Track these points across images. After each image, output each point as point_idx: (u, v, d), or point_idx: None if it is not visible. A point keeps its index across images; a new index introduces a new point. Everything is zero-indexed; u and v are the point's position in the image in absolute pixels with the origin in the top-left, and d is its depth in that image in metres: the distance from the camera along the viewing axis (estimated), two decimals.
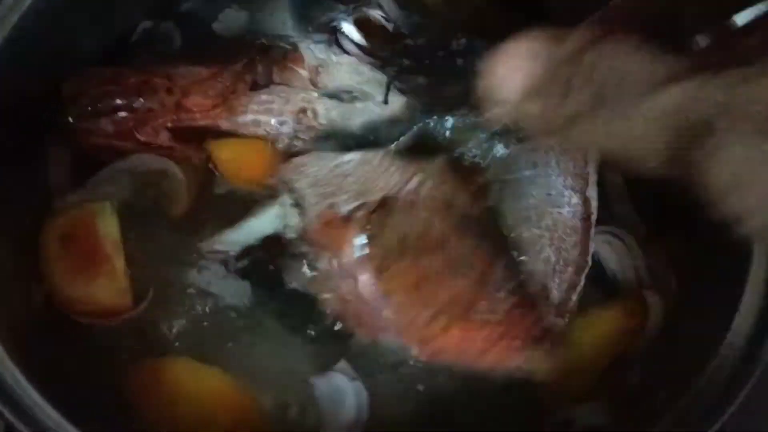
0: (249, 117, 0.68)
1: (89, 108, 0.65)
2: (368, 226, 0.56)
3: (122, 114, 0.66)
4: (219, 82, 0.68)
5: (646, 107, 0.33)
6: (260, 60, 0.70)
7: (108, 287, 0.60)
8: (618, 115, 0.34)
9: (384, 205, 0.58)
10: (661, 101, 0.33)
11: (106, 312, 0.60)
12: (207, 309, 0.63)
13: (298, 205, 0.62)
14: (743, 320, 0.54)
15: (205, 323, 0.63)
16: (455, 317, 0.54)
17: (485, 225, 0.60)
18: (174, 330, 0.62)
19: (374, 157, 0.62)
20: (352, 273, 0.56)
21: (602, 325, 0.63)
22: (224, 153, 0.69)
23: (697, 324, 0.61)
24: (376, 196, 0.58)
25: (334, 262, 0.56)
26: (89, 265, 0.60)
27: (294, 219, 0.62)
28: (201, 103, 0.67)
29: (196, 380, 0.59)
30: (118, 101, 0.66)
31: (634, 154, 0.35)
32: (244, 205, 0.66)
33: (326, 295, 0.59)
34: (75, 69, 0.67)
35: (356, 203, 0.57)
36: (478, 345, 0.55)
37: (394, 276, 0.55)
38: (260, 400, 0.60)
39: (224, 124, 0.68)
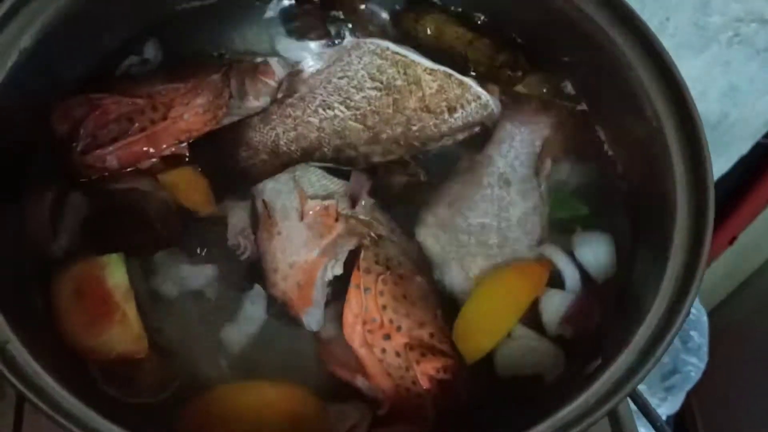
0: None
1: (89, 142, 0.67)
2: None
3: (121, 142, 0.68)
4: (199, 95, 0.73)
5: None
6: (233, 73, 0.73)
7: (123, 335, 0.61)
8: None
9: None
10: None
11: (125, 359, 0.61)
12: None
13: None
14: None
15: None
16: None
17: None
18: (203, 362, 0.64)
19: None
20: None
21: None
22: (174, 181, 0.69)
23: None
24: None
25: None
26: (101, 316, 0.61)
27: None
28: (197, 121, 0.70)
29: (245, 398, 0.61)
30: (113, 129, 0.68)
31: None
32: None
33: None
34: (56, 101, 0.67)
35: None
36: None
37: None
38: (306, 399, 0.62)
39: None
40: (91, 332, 0.61)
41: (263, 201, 0.69)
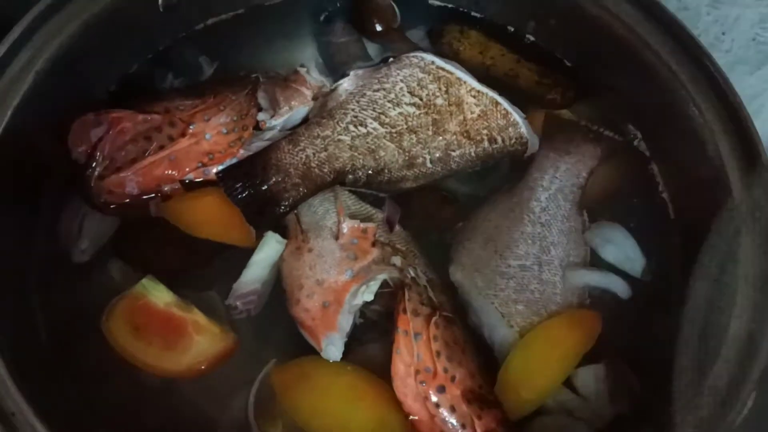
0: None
1: (107, 165, 0.63)
2: None
3: (140, 164, 0.63)
4: (221, 111, 0.68)
5: None
6: (263, 85, 0.69)
7: (207, 340, 0.60)
8: None
9: None
10: None
11: (222, 357, 0.60)
12: None
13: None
14: None
15: None
16: None
17: None
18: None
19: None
20: None
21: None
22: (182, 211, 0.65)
23: None
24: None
25: None
26: (175, 335, 0.60)
27: None
28: (220, 141, 0.66)
29: (340, 377, 0.59)
30: (131, 150, 0.63)
31: None
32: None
33: None
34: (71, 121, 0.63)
35: None
36: None
37: None
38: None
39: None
40: (174, 355, 0.60)
41: (295, 215, 0.65)
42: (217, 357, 0.60)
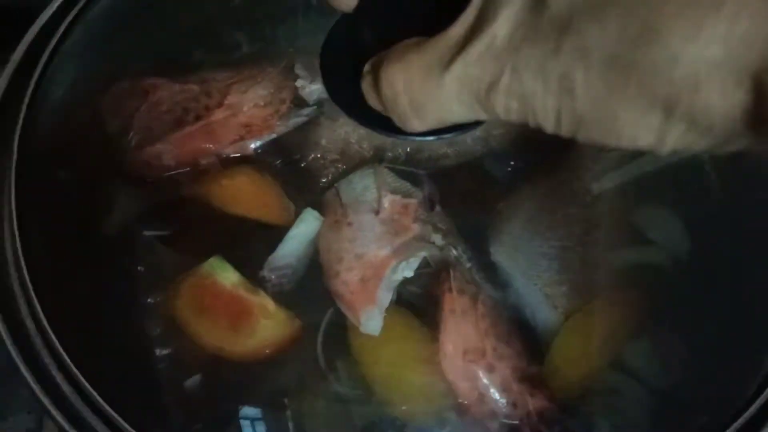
0: None
1: (144, 136, 0.61)
2: None
3: (177, 134, 0.62)
4: (258, 83, 0.67)
5: None
6: (300, 57, 0.67)
7: (272, 324, 0.58)
8: None
9: None
10: None
11: (287, 343, 0.59)
12: None
13: None
14: None
15: None
16: None
17: None
18: None
19: None
20: None
21: None
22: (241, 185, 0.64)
23: None
24: None
25: None
26: (241, 317, 0.58)
27: None
28: (257, 115, 0.65)
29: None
30: (168, 120, 0.62)
31: None
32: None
33: None
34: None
35: None
36: None
37: None
38: None
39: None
40: (240, 338, 0.58)
41: (335, 189, 0.63)
42: (283, 342, 0.59)
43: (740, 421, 0.49)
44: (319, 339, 0.59)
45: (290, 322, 0.59)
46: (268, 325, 0.58)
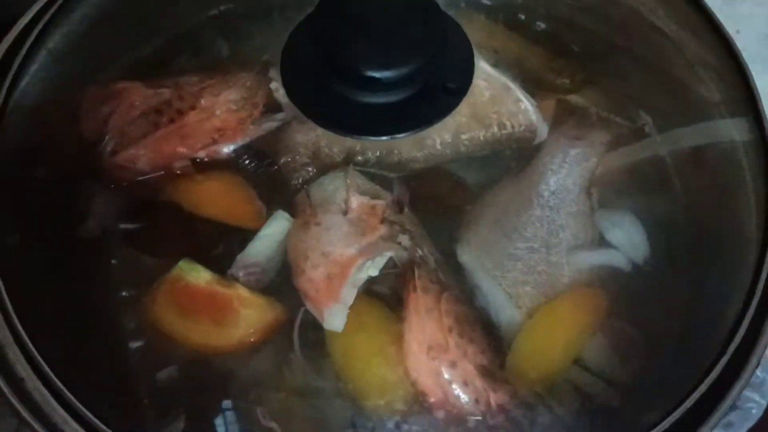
0: None
1: (118, 140, 0.63)
2: None
3: (151, 138, 0.63)
4: (231, 88, 0.68)
5: None
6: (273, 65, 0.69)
7: (254, 312, 0.59)
8: None
9: None
10: None
11: (272, 328, 0.60)
12: None
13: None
14: None
15: None
16: None
17: None
18: None
19: None
20: None
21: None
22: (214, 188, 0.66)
23: None
24: None
25: None
26: (221, 311, 0.59)
27: None
28: (230, 119, 0.66)
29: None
30: (142, 124, 0.63)
31: None
32: None
33: None
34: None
35: None
36: None
37: None
38: None
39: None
40: (224, 331, 0.59)
41: (305, 192, 0.64)
42: (267, 328, 0.60)
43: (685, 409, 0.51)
44: (295, 336, 0.60)
45: (271, 306, 0.60)
46: (250, 314, 0.59)
